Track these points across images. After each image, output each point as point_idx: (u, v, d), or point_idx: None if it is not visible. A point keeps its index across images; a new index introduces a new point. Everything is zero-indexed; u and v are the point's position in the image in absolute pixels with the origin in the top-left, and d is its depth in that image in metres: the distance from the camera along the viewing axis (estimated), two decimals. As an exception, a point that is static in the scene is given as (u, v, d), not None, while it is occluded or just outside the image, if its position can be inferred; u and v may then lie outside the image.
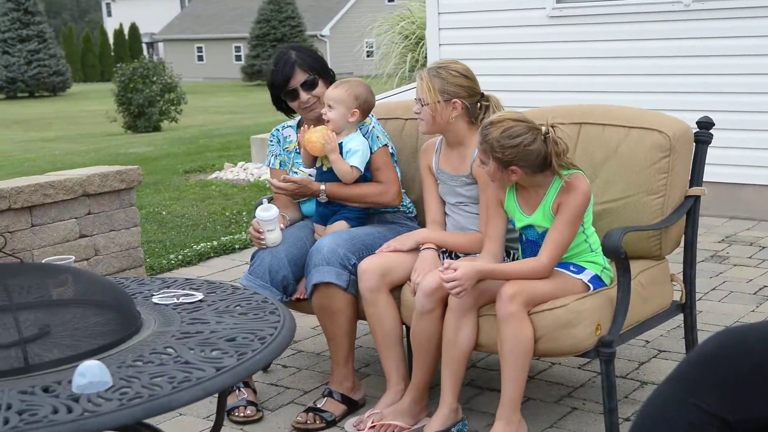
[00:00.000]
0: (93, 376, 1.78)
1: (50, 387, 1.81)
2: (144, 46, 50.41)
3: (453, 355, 2.82)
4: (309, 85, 3.34)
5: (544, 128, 2.72)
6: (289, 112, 3.50)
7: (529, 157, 2.70)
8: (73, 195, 4.22)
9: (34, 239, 4.08)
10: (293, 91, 3.34)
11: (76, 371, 1.80)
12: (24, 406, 1.71)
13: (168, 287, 2.57)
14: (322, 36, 40.95)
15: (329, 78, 3.41)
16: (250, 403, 3.15)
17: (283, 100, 3.41)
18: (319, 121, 3.30)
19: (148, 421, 2.03)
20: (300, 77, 3.33)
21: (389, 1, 41.20)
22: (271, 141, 3.55)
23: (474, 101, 3.02)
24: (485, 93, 3.06)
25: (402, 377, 3.07)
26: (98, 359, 1.88)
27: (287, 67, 3.33)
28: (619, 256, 2.74)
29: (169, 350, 2.02)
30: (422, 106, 3.01)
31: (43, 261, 2.57)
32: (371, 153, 3.28)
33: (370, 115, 3.34)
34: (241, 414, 3.10)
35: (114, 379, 1.83)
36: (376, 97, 3.42)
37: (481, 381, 3.37)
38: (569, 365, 3.49)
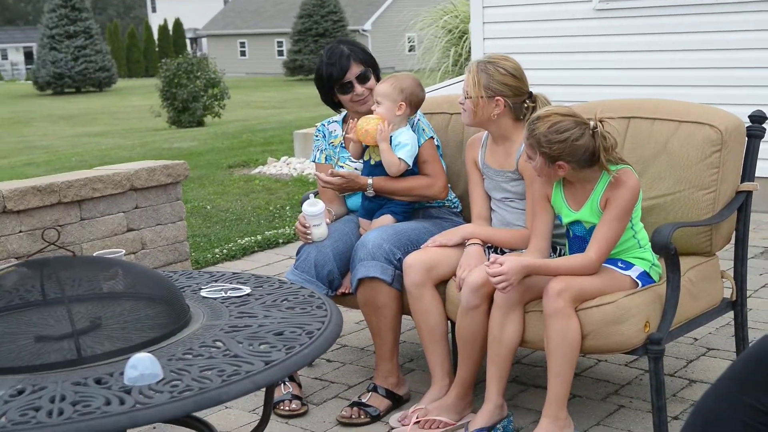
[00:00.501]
0: (144, 369, 1.81)
1: (102, 379, 1.84)
2: (187, 42, 50.89)
3: (498, 351, 2.80)
4: (363, 78, 3.35)
5: (592, 123, 2.70)
6: (337, 107, 3.51)
7: (577, 152, 2.68)
8: (121, 189, 4.27)
9: (83, 233, 4.14)
10: (348, 83, 3.35)
11: (128, 363, 1.82)
12: (77, 398, 1.74)
13: (216, 281, 2.60)
14: (364, 31, 40.97)
15: (378, 73, 3.42)
16: (295, 396, 3.17)
17: (331, 94, 3.42)
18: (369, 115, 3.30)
19: (195, 413, 2.05)
20: (355, 70, 3.35)
21: (431, -5, 41.15)
22: (317, 136, 3.56)
23: (519, 100, 2.99)
24: (533, 93, 3.03)
25: (447, 373, 3.07)
26: (149, 352, 1.90)
27: (343, 60, 3.34)
28: (669, 252, 2.70)
29: (218, 343, 2.04)
30: (466, 98, 3.00)
31: (94, 254, 2.60)
32: (418, 146, 3.28)
33: (416, 109, 3.34)
34: (287, 408, 3.11)
35: (164, 371, 1.85)
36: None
37: (526, 377, 3.35)
38: (616, 362, 3.45)
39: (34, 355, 1.96)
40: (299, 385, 3.26)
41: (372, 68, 3.41)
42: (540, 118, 2.70)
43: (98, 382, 1.82)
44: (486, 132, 3.12)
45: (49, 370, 1.89)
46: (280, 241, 5.68)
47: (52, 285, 2.14)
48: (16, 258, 3.89)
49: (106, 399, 1.73)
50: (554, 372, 2.68)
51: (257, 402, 3.16)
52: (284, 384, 3.20)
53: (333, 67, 3.36)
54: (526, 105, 2.99)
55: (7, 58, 64.69)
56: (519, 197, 3.03)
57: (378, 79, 3.38)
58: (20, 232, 3.90)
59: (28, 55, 61.29)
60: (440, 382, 3.06)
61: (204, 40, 51.74)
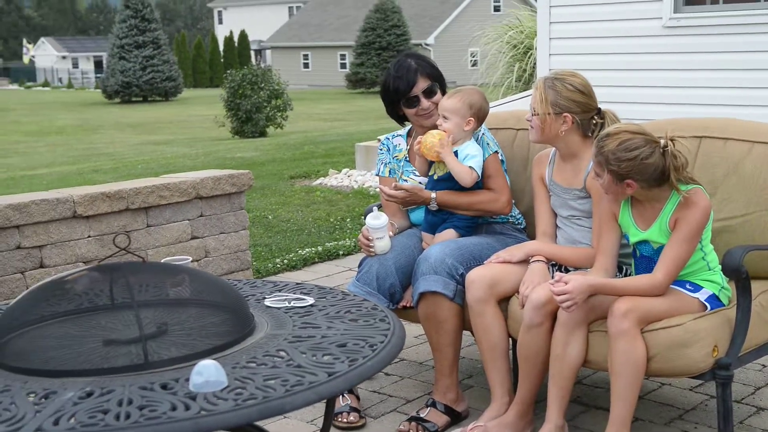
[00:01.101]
0: (210, 376, 1.82)
1: (168, 384, 1.86)
2: (252, 53, 51.61)
3: (561, 370, 2.77)
4: (429, 92, 3.35)
5: (662, 141, 2.65)
6: (402, 121, 3.51)
7: (646, 170, 2.64)
8: (187, 197, 4.34)
9: (149, 239, 4.21)
10: (415, 97, 3.34)
11: (194, 370, 1.84)
12: (144, 402, 1.76)
13: (279, 291, 2.61)
14: (426, 45, 41.08)
15: (444, 87, 3.41)
16: (353, 409, 3.17)
17: (396, 107, 3.42)
18: (434, 129, 3.30)
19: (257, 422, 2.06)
20: (422, 84, 3.34)
21: (495, 10, 41.08)
22: (381, 150, 3.57)
23: (587, 117, 2.96)
24: (602, 109, 2.99)
25: (507, 390, 3.03)
26: (214, 359, 1.92)
27: (410, 74, 3.34)
28: (740, 275, 2.64)
29: (282, 353, 2.05)
30: (533, 115, 2.98)
31: (162, 260, 2.64)
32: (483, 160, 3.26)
33: (481, 123, 3.33)
34: (345, 420, 3.11)
35: (229, 379, 1.86)
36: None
37: (587, 398, 3.29)
38: (680, 386, 3.38)
39: (102, 358, 1.99)
40: (357, 398, 3.26)
41: (438, 82, 3.40)
42: (609, 135, 2.67)
43: (164, 387, 1.84)
44: (553, 148, 3.09)
45: (116, 373, 1.92)
46: (341, 252, 5.70)
47: (121, 290, 2.18)
48: (84, 262, 3.97)
49: (171, 404, 1.75)
50: (618, 394, 2.64)
51: (315, 413, 3.17)
52: (343, 396, 3.20)
53: (400, 80, 3.36)
54: (594, 122, 2.96)
55: (78, 67, 66.44)
56: (586, 215, 2.99)
57: (444, 93, 3.38)
58: (89, 237, 3.99)
59: (98, 64, 62.86)
60: (500, 400, 3.02)
61: (268, 52, 52.43)
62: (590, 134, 2.96)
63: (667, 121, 3.31)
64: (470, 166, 3.19)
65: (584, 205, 2.99)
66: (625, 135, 2.65)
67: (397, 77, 3.36)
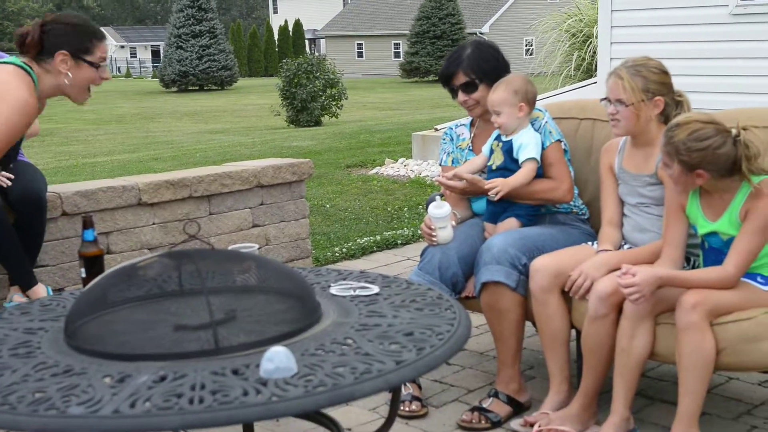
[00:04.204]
0: (280, 362, 1.83)
1: (239, 370, 1.87)
2: (306, 42, 51.84)
3: (626, 363, 2.73)
4: (467, 87, 3.32)
5: (734, 131, 2.60)
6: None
7: (718, 161, 2.59)
8: (248, 185, 4.38)
9: (211, 227, 4.26)
10: (453, 89, 3.36)
11: (264, 356, 1.85)
12: (216, 387, 1.78)
13: (344, 279, 2.62)
14: (481, 33, 40.80)
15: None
16: (415, 398, 3.17)
17: (454, 91, 3.43)
18: (484, 119, 3.30)
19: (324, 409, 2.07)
20: (461, 78, 3.32)
21: (551, -2, 40.62)
22: (444, 139, 3.56)
23: (672, 98, 2.94)
24: (678, 91, 2.97)
25: (565, 378, 3.02)
26: (283, 346, 1.93)
27: (452, 66, 3.34)
28: (814, 268, 2.58)
29: (349, 341, 2.05)
30: (624, 106, 2.91)
31: (229, 248, 2.67)
32: (543, 149, 3.22)
33: (543, 111, 3.29)
34: (407, 408, 3.12)
35: (298, 366, 1.87)
36: (547, 96, 3.36)
37: (652, 391, 3.25)
38: (748, 381, 3.31)
39: (174, 342, 2.02)
40: (419, 387, 3.27)
41: (484, 79, 3.31)
42: (679, 125, 2.62)
43: (235, 372, 1.86)
44: (623, 138, 3.05)
45: (188, 358, 1.94)
46: (399, 242, 5.71)
47: (190, 276, 2.20)
48: (149, 249, 4.04)
49: (243, 389, 1.77)
50: (686, 388, 2.60)
51: (377, 401, 3.18)
52: (405, 384, 3.20)
53: (445, 69, 3.38)
54: (676, 102, 2.95)
55: (136, 56, 67.49)
56: (655, 202, 2.95)
57: None
58: (153, 224, 4.05)
59: (155, 54, 63.77)
60: (558, 387, 3.01)
61: (322, 41, 52.63)
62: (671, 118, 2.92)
63: (738, 110, 3.24)
64: (527, 159, 3.15)
65: (654, 192, 2.95)
66: (696, 125, 2.60)
67: (445, 65, 3.39)
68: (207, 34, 36.68)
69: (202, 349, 1.98)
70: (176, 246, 2.34)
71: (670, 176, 2.70)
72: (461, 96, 3.35)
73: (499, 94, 3.18)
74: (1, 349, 2.06)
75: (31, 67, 3.14)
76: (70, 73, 3.11)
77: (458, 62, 3.34)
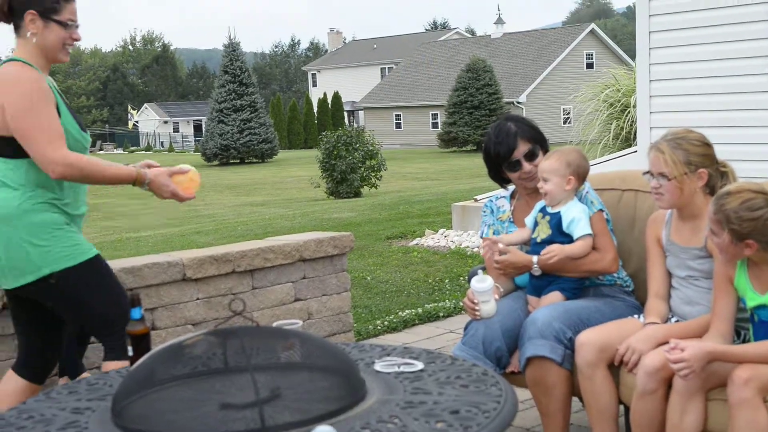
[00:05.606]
0: (327, 442, 1.82)
1: (285, 450, 1.86)
2: (345, 114, 52.61)
3: (678, 439, 2.67)
4: (531, 155, 3.34)
5: (784, 202, 2.58)
6: (505, 183, 3.51)
7: None
8: (291, 260, 4.40)
9: (254, 301, 4.28)
10: (517, 162, 3.35)
11: (311, 435, 1.85)
12: (263, 468, 1.77)
13: (388, 355, 2.61)
14: (518, 103, 41.13)
15: (546, 148, 3.40)
16: (461, 475, 3.11)
17: (499, 171, 3.42)
18: (537, 191, 3.29)
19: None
20: (523, 148, 3.35)
21: (588, 67, 40.90)
22: (485, 211, 3.57)
23: (715, 169, 2.93)
24: (722, 161, 2.96)
25: (616, 456, 2.95)
26: (329, 424, 1.92)
27: (510, 139, 3.35)
28: None
29: (395, 420, 2.03)
30: (667, 180, 2.91)
31: (273, 324, 2.68)
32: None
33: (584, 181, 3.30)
34: (452, 486, 3.06)
35: (344, 445, 1.86)
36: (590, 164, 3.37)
37: (704, 469, 3.16)
38: (804, 458, 3.20)
39: (220, 422, 2.02)
40: (464, 464, 3.21)
41: (540, 144, 3.39)
42: (730, 193, 2.61)
43: (282, 452, 1.85)
44: (669, 210, 3.04)
45: (234, 438, 1.94)
46: (441, 314, 5.67)
47: (234, 353, 2.21)
48: (192, 324, 4.06)
49: (290, 470, 1.75)
50: (740, 465, 2.53)
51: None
52: (449, 461, 3.15)
53: (500, 145, 3.36)
54: (720, 174, 2.94)
55: (178, 131, 68.93)
56: (704, 275, 2.92)
57: (546, 153, 3.37)
58: (197, 299, 4.08)
59: (198, 128, 65.06)
60: (609, 466, 2.94)
61: (361, 113, 53.34)
62: (716, 188, 2.91)
63: (786, 180, 3.21)
64: (582, 235, 3.14)
65: (703, 265, 2.92)
66: (747, 194, 2.59)
67: (497, 142, 3.37)
68: (248, 108, 37.42)
69: (249, 428, 1.97)
70: (221, 322, 2.35)
71: (717, 245, 2.68)
72: (527, 166, 3.34)
73: (551, 163, 3.20)
74: (50, 430, 2.07)
75: (27, 61, 3.11)
76: (40, 33, 3.09)
77: (514, 133, 3.36)
